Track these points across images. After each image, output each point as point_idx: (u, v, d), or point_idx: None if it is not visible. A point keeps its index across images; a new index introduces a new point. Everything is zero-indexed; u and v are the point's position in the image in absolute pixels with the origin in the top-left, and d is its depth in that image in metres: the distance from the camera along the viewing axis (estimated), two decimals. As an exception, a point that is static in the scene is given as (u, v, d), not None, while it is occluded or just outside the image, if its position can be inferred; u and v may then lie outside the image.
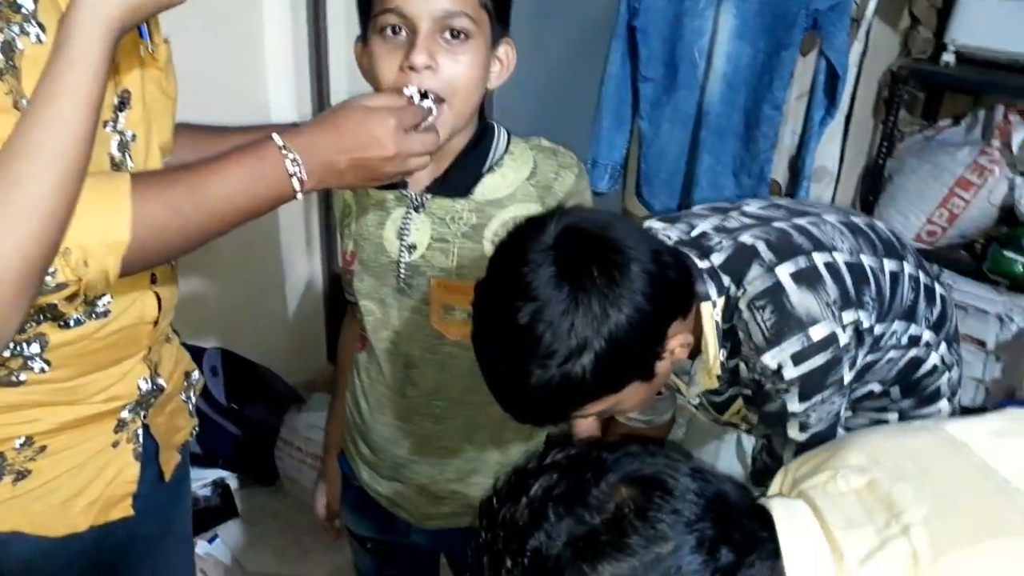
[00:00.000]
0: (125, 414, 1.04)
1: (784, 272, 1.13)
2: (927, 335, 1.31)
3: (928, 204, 2.76)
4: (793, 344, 1.11)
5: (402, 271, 1.17)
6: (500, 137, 1.17)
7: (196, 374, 1.22)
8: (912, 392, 1.37)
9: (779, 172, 2.37)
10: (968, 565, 0.74)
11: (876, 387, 1.34)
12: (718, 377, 1.19)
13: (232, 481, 2.41)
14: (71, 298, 0.86)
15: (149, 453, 1.10)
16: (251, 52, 2.30)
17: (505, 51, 1.13)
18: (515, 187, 1.15)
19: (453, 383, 1.22)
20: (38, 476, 0.98)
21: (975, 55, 2.64)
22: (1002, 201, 2.69)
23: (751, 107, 2.24)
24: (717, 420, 1.36)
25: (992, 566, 0.75)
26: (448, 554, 1.49)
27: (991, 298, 2.62)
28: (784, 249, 1.16)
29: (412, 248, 1.16)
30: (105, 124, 0.89)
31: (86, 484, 1.02)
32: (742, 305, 1.14)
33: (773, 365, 1.12)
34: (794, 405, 1.15)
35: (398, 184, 1.13)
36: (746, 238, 1.18)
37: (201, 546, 2.17)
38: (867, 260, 1.22)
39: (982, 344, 2.62)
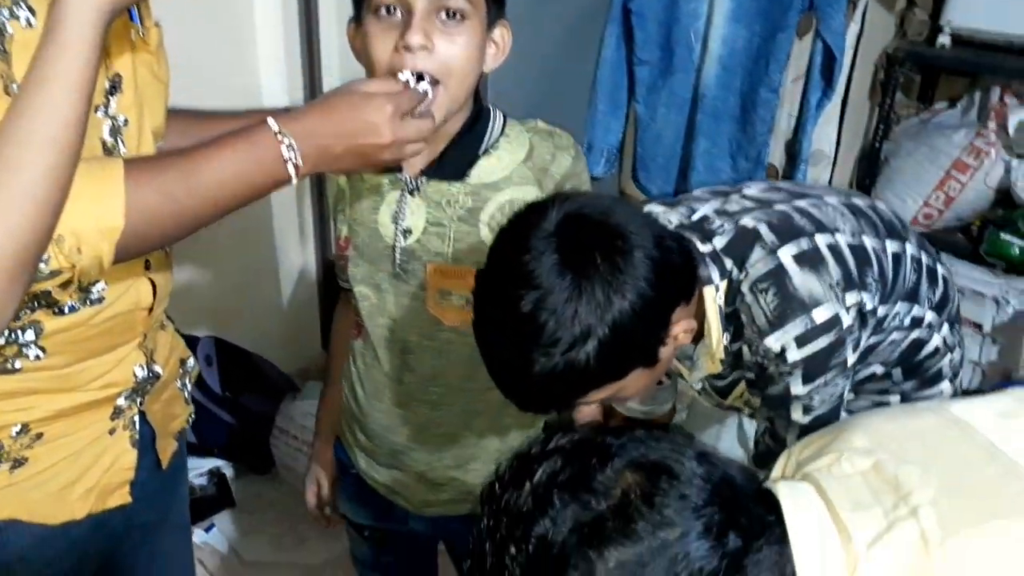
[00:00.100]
0: (121, 401, 1.04)
1: (786, 254, 1.13)
2: (929, 316, 1.31)
3: (924, 187, 2.76)
4: (796, 326, 1.11)
5: (398, 256, 1.16)
6: (496, 120, 1.16)
7: (191, 361, 1.21)
8: (914, 374, 1.37)
9: (776, 156, 2.37)
10: (977, 545, 0.74)
11: (878, 369, 1.34)
12: (721, 361, 1.19)
13: (228, 470, 2.40)
14: (65, 285, 0.86)
15: (146, 440, 1.09)
16: (242, 36, 2.28)
17: (501, 33, 1.12)
18: (511, 170, 1.14)
19: (451, 369, 1.21)
20: (35, 464, 0.98)
21: (971, 37, 2.64)
22: (998, 183, 2.69)
23: (747, 90, 2.23)
24: (720, 405, 1.35)
25: (1001, 546, 0.74)
26: (446, 541, 1.49)
27: (988, 281, 2.63)
28: (786, 231, 1.16)
29: (408, 232, 1.15)
30: (96, 109, 0.89)
31: (83, 471, 1.02)
32: (745, 288, 1.13)
33: (776, 348, 1.12)
34: (797, 388, 1.15)
35: (393, 168, 1.12)
36: (747, 221, 1.17)
37: (198, 535, 2.17)
38: (869, 241, 1.21)
39: (979, 327, 2.63)
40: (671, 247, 1.02)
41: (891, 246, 1.25)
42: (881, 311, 1.22)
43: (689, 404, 1.87)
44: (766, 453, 1.26)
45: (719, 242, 1.16)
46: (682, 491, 0.74)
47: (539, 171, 1.14)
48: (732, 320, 1.16)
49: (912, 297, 1.28)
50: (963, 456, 0.83)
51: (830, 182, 2.58)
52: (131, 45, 0.93)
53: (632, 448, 0.77)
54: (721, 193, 1.27)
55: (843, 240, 1.17)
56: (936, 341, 1.34)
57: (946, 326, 1.35)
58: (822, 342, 1.11)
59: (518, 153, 1.15)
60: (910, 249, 1.28)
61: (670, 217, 1.22)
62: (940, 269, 1.36)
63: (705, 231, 1.18)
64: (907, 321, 1.28)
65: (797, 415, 1.19)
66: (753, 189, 1.28)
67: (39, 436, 0.97)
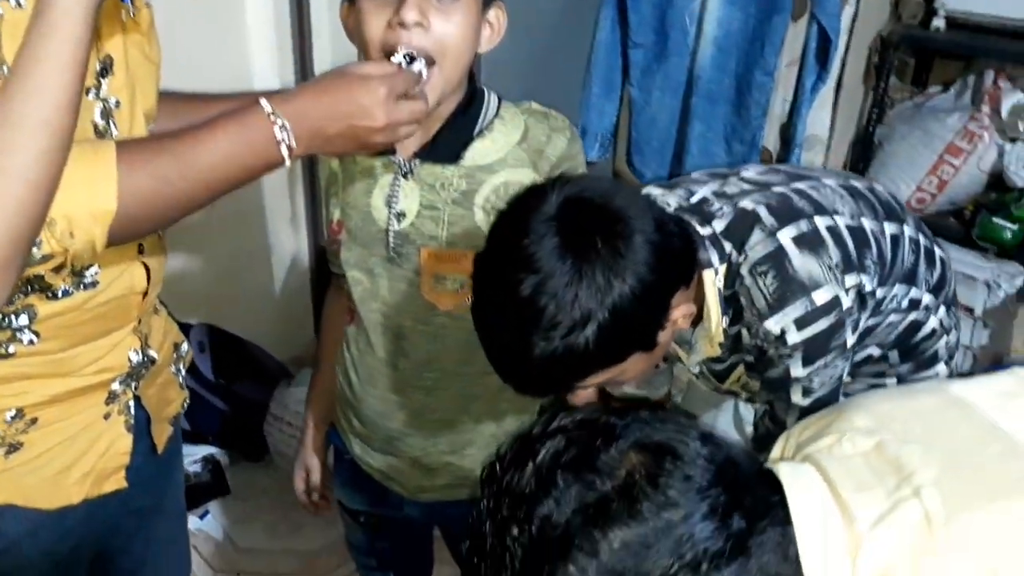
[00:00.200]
0: (116, 386, 1.03)
1: (786, 236, 1.13)
2: (927, 298, 1.31)
3: (918, 171, 2.76)
4: (796, 309, 1.10)
5: (391, 240, 1.15)
6: (490, 102, 1.15)
7: (185, 346, 1.21)
8: (910, 356, 1.37)
9: (770, 140, 2.36)
10: (980, 525, 0.74)
11: (875, 351, 1.34)
12: (720, 344, 1.19)
13: (222, 457, 2.40)
14: (58, 269, 0.86)
15: (141, 425, 1.09)
16: (232, 18, 2.26)
17: (496, 15, 1.11)
18: (505, 152, 1.13)
19: (446, 354, 1.20)
20: (30, 448, 0.98)
21: (965, 20, 2.64)
22: (991, 167, 2.69)
23: (742, 73, 2.22)
24: (717, 388, 1.35)
25: (1004, 526, 0.74)
26: (442, 527, 1.49)
27: (980, 265, 2.63)
28: (785, 213, 1.15)
29: (401, 216, 1.14)
30: (88, 91, 0.88)
31: (79, 456, 1.02)
32: (744, 271, 1.13)
33: (776, 330, 1.12)
34: (797, 370, 1.15)
35: (386, 151, 1.11)
36: (747, 203, 1.17)
37: (192, 522, 2.16)
38: (868, 223, 1.21)
39: (970, 311, 2.63)
40: (672, 231, 1.01)
41: (889, 228, 1.25)
42: (880, 293, 1.22)
43: (685, 388, 1.87)
44: (765, 436, 1.26)
45: (718, 225, 1.16)
46: (686, 472, 0.74)
47: (534, 153, 1.14)
48: (731, 303, 1.16)
49: (910, 279, 1.28)
50: (965, 436, 0.83)
51: (824, 166, 2.57)
52: (122, 26, 0.92)
53: (636, 429, 0.76)
54: (719, 175, 1.27)
55: (842, 222, 1.17)
56: (933, 323, 1.34)
57: (943, 308, 1.36)
58: (822, 324, 1.11)
59: (513, 135, 1.14)
60: (908, 231, 1.28)
61: (668, 199, 1.22)
62: (938, 250, 1.36)
63: (704, 213, 1.18)
64: (905, 303, 1.29)
65: (797, 397, 1.19)
66: (751, 171, 1.27)
67: (34, 421, 0.97)
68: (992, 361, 2.65)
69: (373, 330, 1.23)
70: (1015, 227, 2.61)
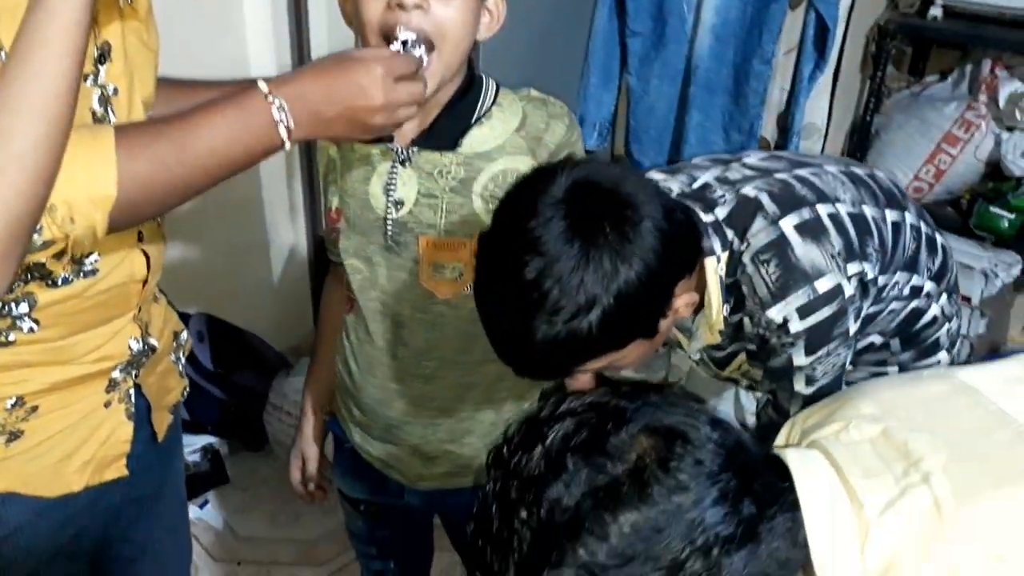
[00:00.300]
0: (116, 374, 1.03)
1: (788, 224, 1.12)
2: (928, 286, 1.31)
3: (915, 160, 2.76)
4: (799, 297, 1.10)
5: (389, 228, 1.15)
6: (488, 89, 1.14)
7: (184, 334, 1.21)
8: (912, 344, 1.36)
9: (768, 129, 2.36)
10: (989, 512, 0.74)
11: (877, 339, 1.34)
12: (720, 332, 1.18)
13: (221, 447, 2.40)
14: (59, 256, 0.85)
15: (141, 413, 1.09)
16: (230, 7, 2.24)
17: (495, 2, 1.10)
18: (504, 139, 1.12)
19: (444, 342, 1.20)
20: (31, 436, 0.98)
21: (962, 9, 2.64)
22: (988, 156, 2.70)
23: (740, 62, 2.22)
24: (717, 375, 1.35)
25: (1012, 512, 0.74)
26: (442, 515, 1.48)
27: (977, 254, 2.63)
28: (787, 201, 1.15)
29: (399, 204, 1.13)
30: (86, 78, 0.87)
31: (80, 444, 1.02)
32: (746, 259, 1.12)
33: (779, 319, 1.11)
34: (800, 359, 1.14)
35: (383, 138, 1.10)
36: (749, 190, 1.16)
37: (192, 511, 2.17)
38: (869, 211, 1.21)
39: (967, 300, 2.63)
40: (679, 219, 1.01)
41: (891, 215, 1.24)
42: (881, 280, 1.21)
43: (686, 374, 1.86)
44: (768, 425, 1.26)
45: (721, 212, 1.15)
46: (697, 456, 0.74)
47: (533, 140, 1.13)
48: (733, 291, 1.15)
49: (911, 267, 1.27)
50: (972, 422, 0.83)
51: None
52: (120, 13, 0.91)
53: (647, 412, 0.76)
54: (722, 161, 1.26)
55: (844, 210, 1.17)
56: (934, 310, 1.34)
57: (944, 296, 1.35)
58: (825, 312, 1.11)
59: (511, 122, 1.13)
60: (909, 218, 1.28)
61: (670, 185, 1.21)
62: (939, 238, 1.35)
63: (707, 200, 1.17)
64: (906, 291, 1.28)
65: (800, 386, 1.18)
66: (754, 157, 1.27)
67: (34, 409, 0.97)
68: (989, 350, 2.66)
69: (372, 319, 1.22)
70: (1012, 216, 2.62)
